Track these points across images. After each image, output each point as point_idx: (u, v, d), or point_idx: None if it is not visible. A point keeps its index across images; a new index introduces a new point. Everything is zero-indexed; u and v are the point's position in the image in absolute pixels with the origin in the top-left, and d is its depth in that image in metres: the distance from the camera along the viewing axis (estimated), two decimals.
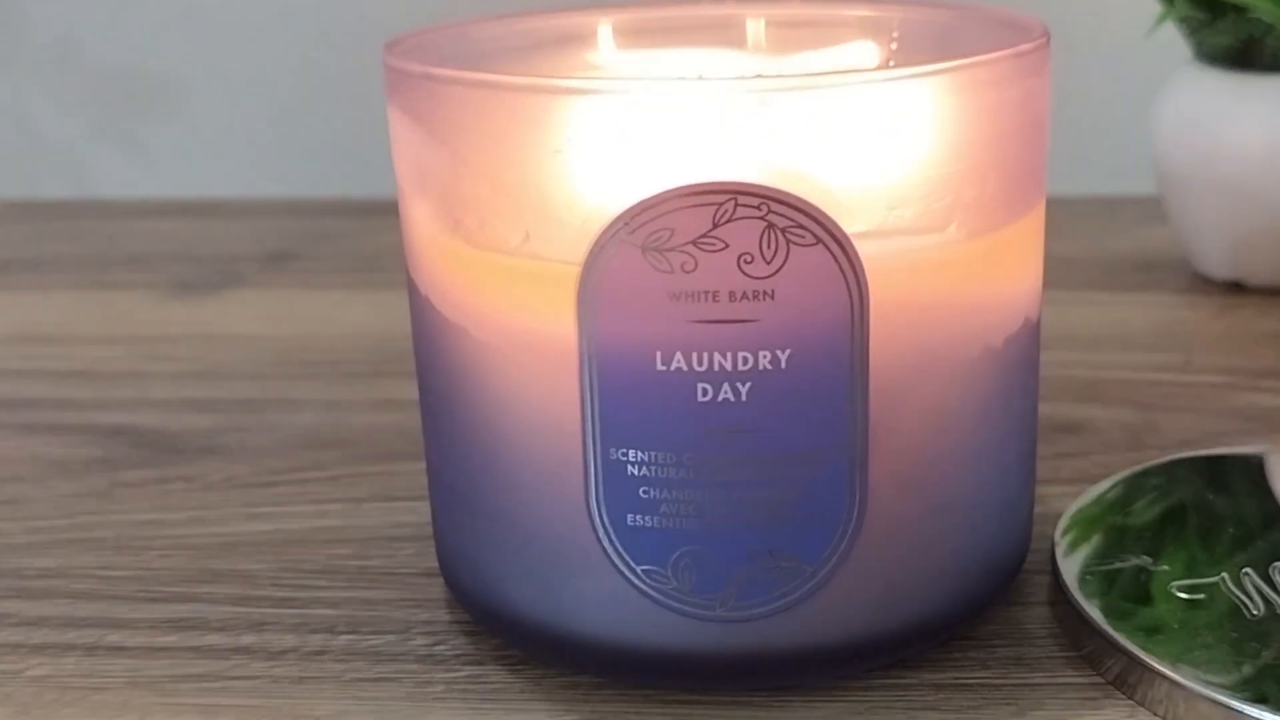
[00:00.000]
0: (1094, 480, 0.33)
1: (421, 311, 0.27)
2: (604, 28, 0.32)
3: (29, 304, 0.51)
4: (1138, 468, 0.33)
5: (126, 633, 0.29)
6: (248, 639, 0.28)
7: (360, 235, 0.58)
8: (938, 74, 0.23)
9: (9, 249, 0.58)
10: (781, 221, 0.23)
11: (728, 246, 0.23)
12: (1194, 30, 0.47)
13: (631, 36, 0.32)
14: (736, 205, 0.23)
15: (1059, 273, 0.54)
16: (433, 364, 0.27)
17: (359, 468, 0.36)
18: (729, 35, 0.33)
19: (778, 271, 0.23)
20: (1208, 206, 0.48)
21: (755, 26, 0.33)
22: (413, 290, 0.27)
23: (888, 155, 0.23)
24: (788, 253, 0.23)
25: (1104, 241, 0.55)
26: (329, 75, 0.66)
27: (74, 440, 0.38)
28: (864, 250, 0.23)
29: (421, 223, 0.26)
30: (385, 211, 0.45)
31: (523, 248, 0.24)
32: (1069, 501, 0.32)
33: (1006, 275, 0.26)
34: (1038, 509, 0.31)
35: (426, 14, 0.65)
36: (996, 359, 0.26)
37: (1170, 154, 0.48)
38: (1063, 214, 0.61)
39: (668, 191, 0.23)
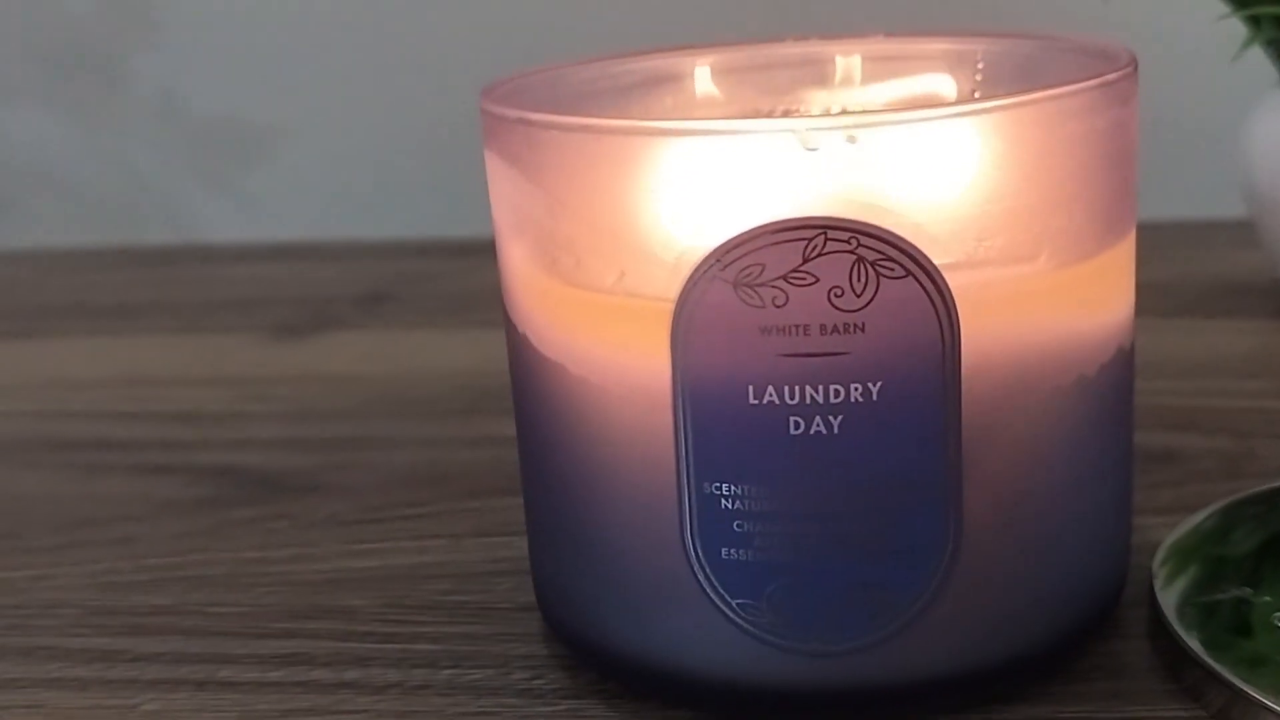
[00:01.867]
0: (1191, 510, 0.32)
1: (519, 349, 0.27)
2: (696, 68, 0.33)
3: (135, 348, 0.52)
4: (1235, 496, 0.33)
5: (236, 668, 0.30)
6: (352, 674, 0.29)
7: (454, 276, 0.59)
8: (1024, 106, 0.24)
9: (114, 295, 0.60)
10: (871, 255, 0.23)
11: (818, 280, 0.23)
12: None
13: (721, 75, 0.33)
14: (826, 240, 0.23)
15: (1149, 299, 0.53)
16: (530, 401, 0.27)
17: (457, 504, 0.37)
18: (816, 71, 0.33)
19: (868, 304, 0.23)
20: None
21: (842, 63, 0.33)
22: (510, 329, 0.28)
23: (975, 187, 0.24)
24: (878, 285, 0.23)
25: (1195, 267, 0.54)
26: (421, 118, 0.68)
27: (181, 480, 0.39)
28: (954, 281, 0.24)
29: (518, 263, 0.27)
30: (478, 251, 0.46)
31: (618, 286, 0.25)
32: (1165, 532, 0.31)
33: (1098, 305, 0.26)
34: (1133, 539, 0.30)
35: (519, 55, 0.66)
36: (1090, 389, 0.26)
37: (1259, 177, 0.48)
38: (1152, 239, 0.60)
39: (758, 228, 0.23)
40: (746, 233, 0.23)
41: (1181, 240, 0.57)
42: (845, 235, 0.23)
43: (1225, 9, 0.47)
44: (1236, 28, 0.48)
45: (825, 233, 0.23)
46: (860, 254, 0.23)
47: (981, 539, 0.25)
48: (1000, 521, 0.25)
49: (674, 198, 0.24)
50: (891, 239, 0.23)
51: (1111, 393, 0.27)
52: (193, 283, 0.61)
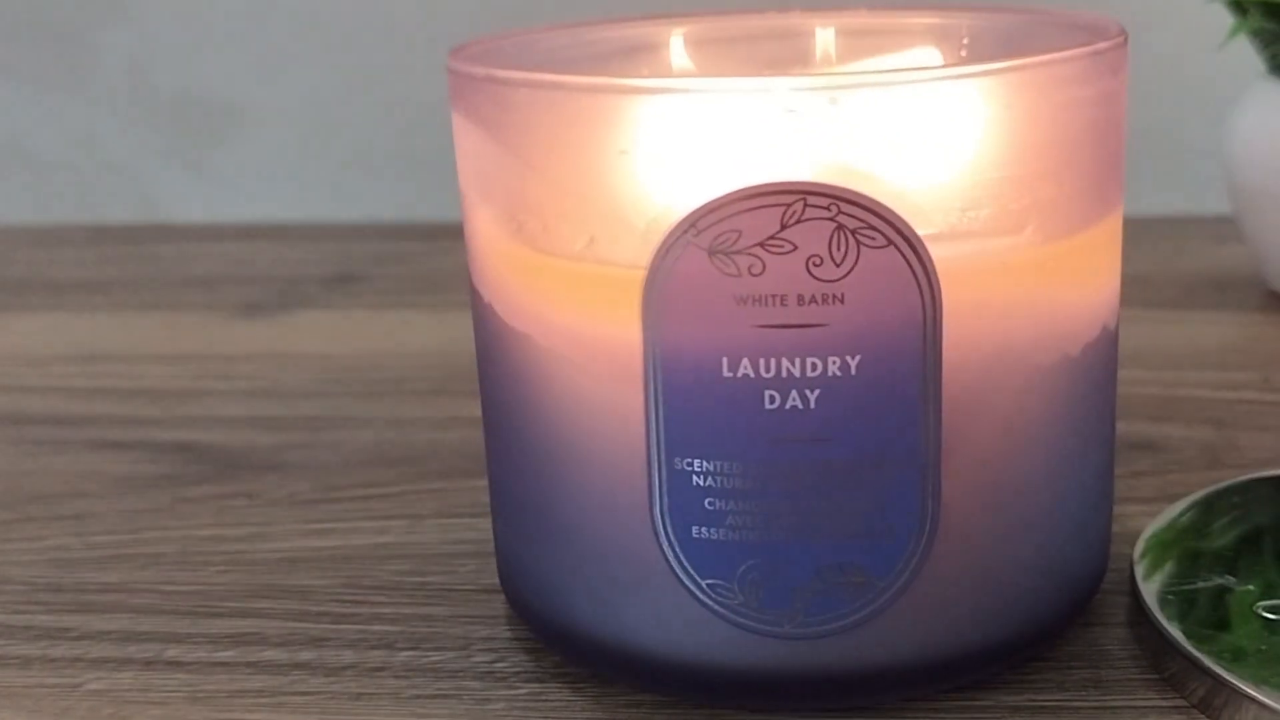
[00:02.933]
0: (1171, 500, 0.32)
1: (484, 320, 0.26)
2: (672, 37, 0.32)
3: (96, 325, 0.51)
4: (1216, 487, 0.32)
5: (185, 647, 0.29)
6: (306, 655, 0.28)
7: (424, 257, 0.58)
8: (1013, 71, 0.23)
9: (78, 271, 0.59)
10: (852, 223, 0.22)
11: (796, 249, 0.22)
12: (1268, 44, 0.46)
13: (699, 46, 0.32)
14: (805, 206, 0.22)
15: (1131, 291, 0.53)
16: (495, 373, 0.26)
17: (421, 485, 0.36)
18: (796, 44, 0.32)
19: (848, 274, 0.23)
20: None
21: (823, 35, 0.32)
22: (476, 299, 0.27)
23: (961, 155, 0.23)
24: (858, 255, 0.22)
25: (1177, 260, 0.54)
26: (393, 98, 0.67)
27: (138, 457, 0.38)
28: (937, 253, 0.23)
29: (485, 229, 0.26)
30: (449, 234, 0.45)
31: (587, 252, 0.24)
32: (1146, 521, 0.31)
33: (1084, 281, 0.25)
34: (1114, 529, 0.30)
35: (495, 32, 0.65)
36: (1074, 367, 0.25)
37: (1244, 171, 0.47)
38: (1134, 233, 0.60)
39: (734, 193, 0.22)
40: (722, 197, 0.22)
41: (1164, 234, 0.56)
42: (825, 202, 0.22)
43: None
44: (1222, 16, 0.48)
45: (805, 199, 0.22)
46: (840, 221, 0.22)
47: (960, 521, 0.24)
48: (980, 503, 0.24)
49: (646, 160, 0.23)
50: (873, 207, 0.22)
51: (1095, 373, 0.26)
52: (158, 260, 0.60)
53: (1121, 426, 0.38)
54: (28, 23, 0.68)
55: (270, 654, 0.28)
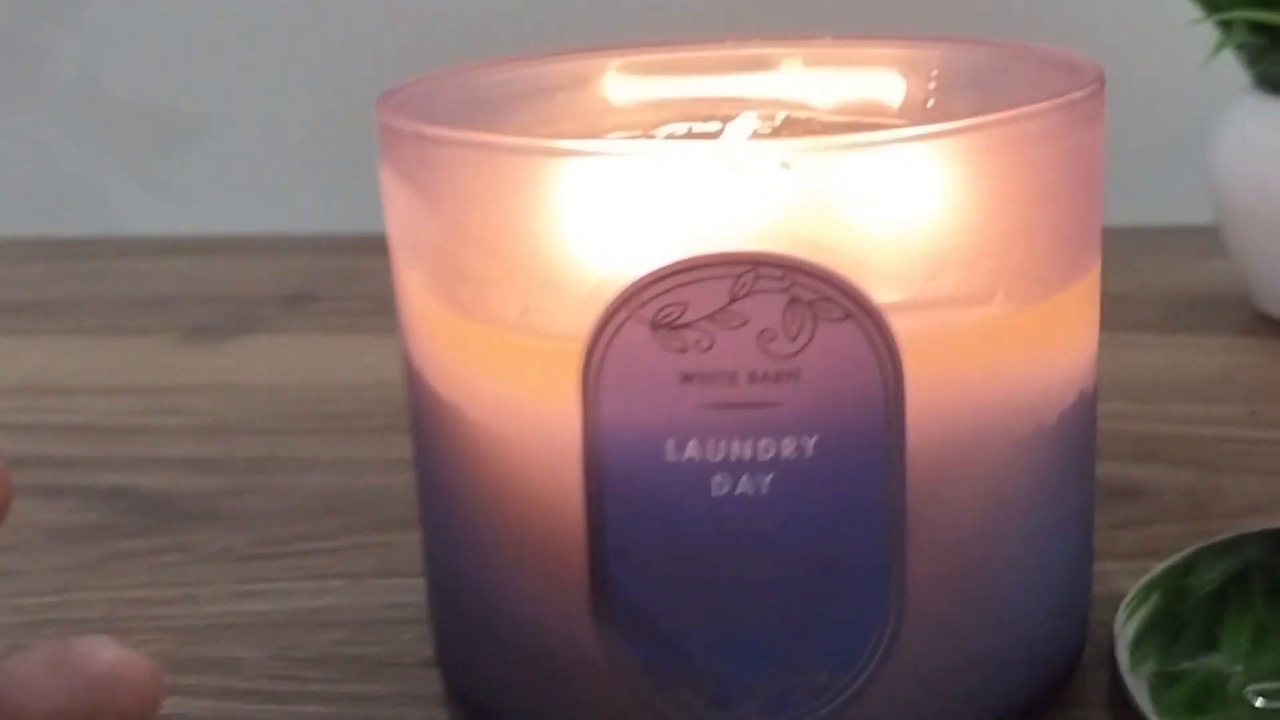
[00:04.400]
0: (1154, 553, 0.30)
1: (415, 387, 0.25)
2: (627, 69, 0.30)
3: (41, 350, 0.49)
4: (1202, 544, 0.30)
5: None
6: None
7: (385, 274, 0.56)
8: (979, 129, 0.21)
9: (28, 290, 0.57)
10: (807, 294, 0.21)
11: (747, 323, 0.21)
12: (1254, 58, 0.44)
13: (653, 78, 0.30)
14: (757, 277, 0.20)
15: (1113, 313, 0.51)
16: (427, 444, 0.25)
17: (363, 537, 0.34)
18: (757, 75, 0.30)
19: (803, 349, 0.21)
20: (1269, 242, 0.45)
21: (786, 67, 0.30)
22: (407, 363, 0.25)
23: (924, 220, 0.21)
24: (814, 329, 0.21)
25: (1161, 276, 0.52)
26: (354, 108, 0.65)
27: (72, 504, 0.36)
28: (899, 324, 0.21)
29: (414, 292, 0.24)
30: None
31: (521, 322, 0.22)
32: (1127, 581, 0.29)
33: (1059, 347, 0.23)
34: (1096, 588, 0.28)
35: (455, 44, 0.63)
36: (1049, 438, 0.24)
37: (1229, 186, 0.45)
38: (1116, 246, 0.58)
39: (680, 262, 0.21)
40: (666, 267, 0.21)
41: (1147, 247, 0.55)
42: (778, 272, 0.20)
43: (1196, 12, 0.45)
44: (1207, 30, 0.46)
45: (755, 269, 0.20)
46: (795, 293, 0.21)
47: (927, 609, 0.22)
48: (948, 589, 0.23)
49: (585, 225, 0.21)
50: (830, 277, 0.21)
51: (1072, 441, 0.24)
52: (111, 277, 0.58)
53: (1101, 469, 0.37)
54: None
55: None
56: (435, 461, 0.24)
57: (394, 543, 0.33)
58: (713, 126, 0.30)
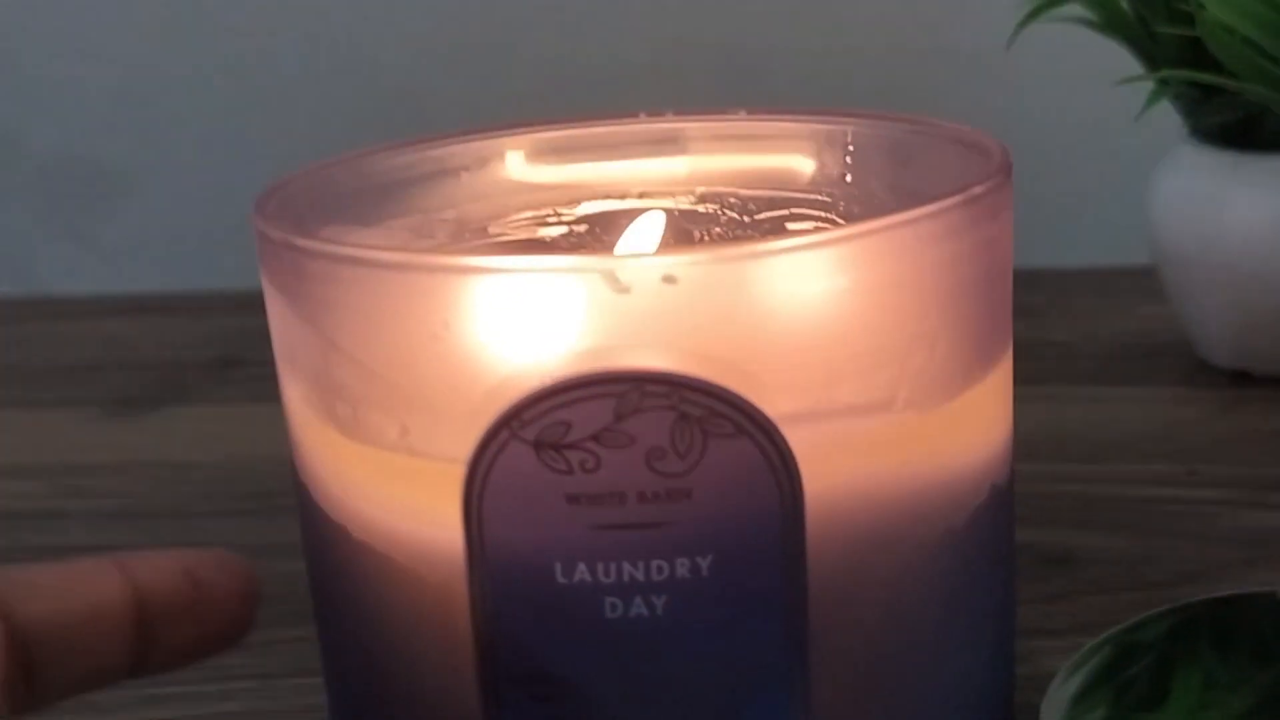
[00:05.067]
0: (1089, 629, 0.29)
1: (302, 501, 0.24)
2: (532, 148, 0.29)
3: None
4: (1133, 621, 0.29)
5: None
6: None
7: None
8: (872, 234, 0.20)
9: None
10: (695, 411, 0.20)
11: (634, 442, 0.20)
12: (1189, 109, 0.44)
13: (559, 155, 0.29)
14: (642, 395, 0.20)
15: (1051, 363, 0.51)
16: (315, 561, 0.24)
17: (275, 632, 0.32)
18: (668, 152, 0.29)
19: (694, 468, 0.20)
20: (1209, 291, 0.45)
21: (702, 141, 0.30)
22: (293, 476, 0.24)
23: (818, 329, 0.20)
24: (704, 446, 0.20)
25: (1099, 322, 0.51)
26: (278, 160, 0.63)
27: None
28: (795, 436, 0.20)
29: (295, 406, 0.23)
30: None
31: (401, 442, 0.21)
32: (1057, 659, 0.28)
33: (968, 446, 0.23)
34: (1025, 669, 0.27)
35: (386, 93, 0.62)
36: (960, 538, 0.23)
37: (1168, 235, 0.45)
38: (1055, 289, 0.58)
39: (562, 381, 0.20)
40: (549, 386, 0.20)
41: (1086, 290, 0.54)
42: (664, 389, 0.20)
43: (1136, 66, 0.44)
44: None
45: (641, 386, 0.20)
46: (683, 410, 0.20)
47: None
48: (856, 703, 0.22)
49: (462, 344, 0.20)
50: (719, 393, 0.20)
51: (985, 537, 0.24)
52: (31, 343, 0.56)
53: (1034, 534, 0.36)
54: None
55: None
56: (324, 580, 0.23)
57: (306, 639, 0.32)
58: (627, 204, 0.29)
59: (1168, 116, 0.45)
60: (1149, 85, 0.43)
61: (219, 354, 0.53)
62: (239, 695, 0.30)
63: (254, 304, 0.61)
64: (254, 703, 0.30)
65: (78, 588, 0.20)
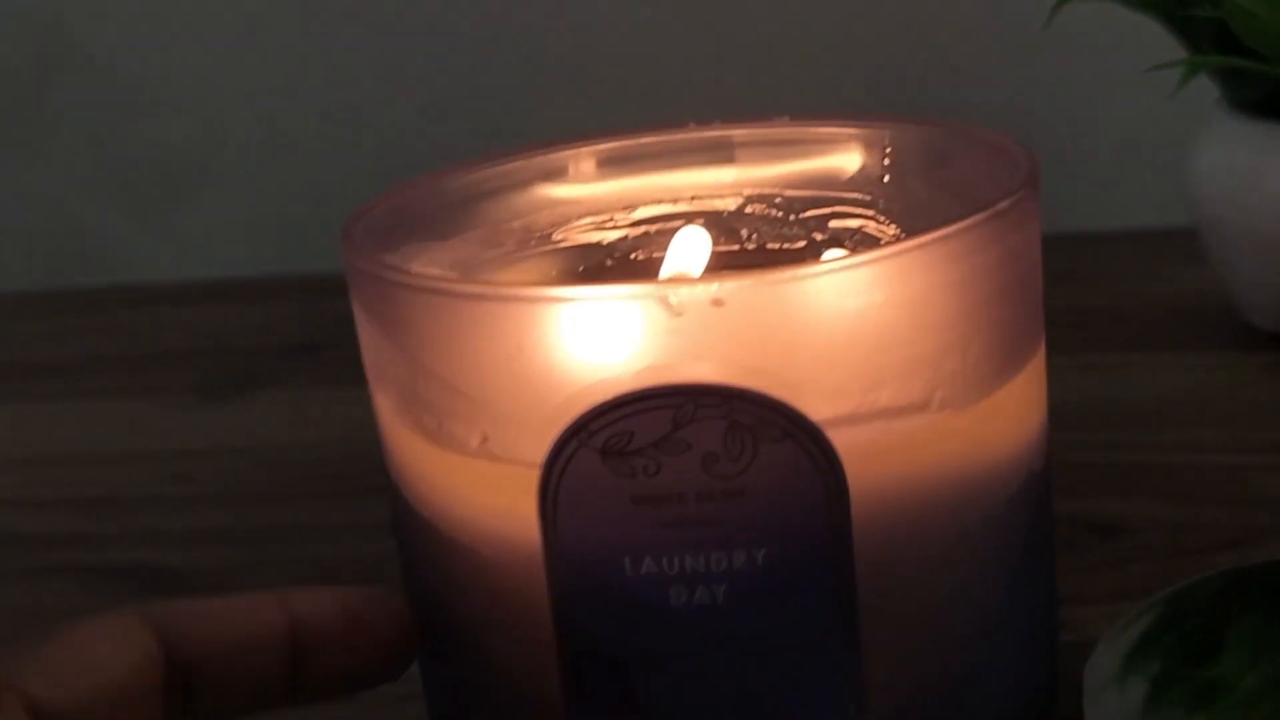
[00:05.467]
0: (1131, 594, 0.31)
1: (395, 499, 0.26)
2: (589, 160, 0.31)
3: (53, 416, 0.51)
4: (1177, 586, 0.31)
5: None
6: None
7: None
8: (905, 252, 0.22)
9: (38, 350, 0.58)
10: (746, 418, 0.22)
11: (691, 448, 0.22)
12: (1225, 82, 0.45)
13: (617, 167, 0.31)
14: (697, 406, 0.22)
15: (1094, 330, 0.52)
16: (408, 553, 0.26)
17: None
18: (717, 159, 0.31)
19: (746, 470, 0.22)
20: (1250, 257, 0.46)
21: (749, 147, 0.31)
22: (387, 474, 0.26)
23: (856, 340, 0.22)
24: (755, 450, 0.22)
25: (1144, 287, 0.52)
26: (356, 150, 0.66)
27: (84, 584, 0.38)
28: (839, 438, 0.22)
29: (386, 416, 0.25)
30: None
31: (481, 449, 0.23)
32: (1101, 626, 0.30)
33: (1002, 439, 0.24)
34: (1070, 637, 0.29)
35: (455, 83, 0.64)
36: (998, 524, 0.25)
37: (1208, 203, 0.46)
38: (1099, 254, 0.59)
39: (624, 395, 0.22)
40: (611, 400, 0.22)
41: (1129, 254, 0.55)
42: (717, 400, 0.22)
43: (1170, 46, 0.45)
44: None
45: (695, 399, 0.22)
46: (735, 418, 0.22)
47: (887, 700, 0.23)
48: (906, 681, 0.24)
49: (536, 362, 0.22)
50: (767, 401, 0.22)
51: (1023, 520, 0.25)
52: (120, 333, 0.59)
53: (1078, 504, 0.37)
54: None
55: None
56: (416, 567, 0.26)
57: None
58: (680, 208, 0.31)
59: (1207, 85, 0.47)
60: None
61: (302, 339, 0.56)
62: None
63: (331, 289, 0.64)
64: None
65: (238, 617, 0.22)
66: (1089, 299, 0.52)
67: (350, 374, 0.51)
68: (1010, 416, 0.25)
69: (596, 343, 0.22)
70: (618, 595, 0.23)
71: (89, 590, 0.38)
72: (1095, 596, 0.33)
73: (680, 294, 0.21)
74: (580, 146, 0.31)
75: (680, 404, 0.22)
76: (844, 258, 0.22)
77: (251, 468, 0.44)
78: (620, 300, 0.22)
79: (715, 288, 0.21)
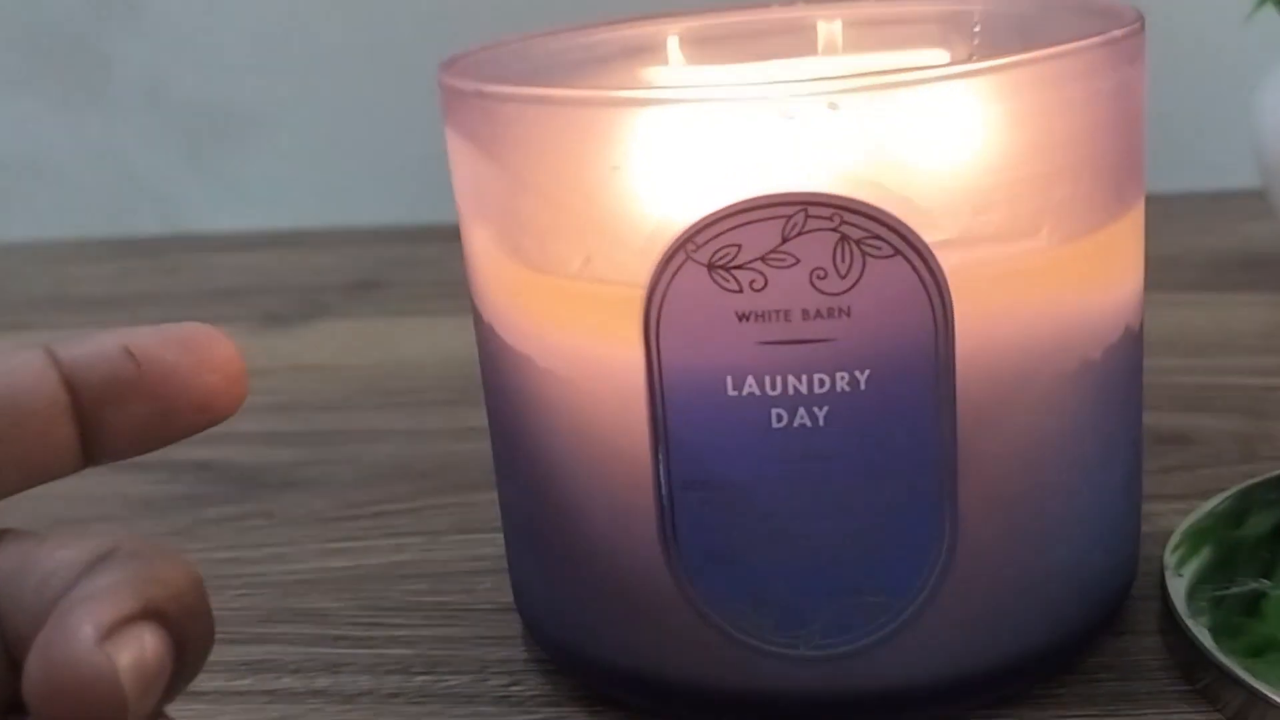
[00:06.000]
0: (1204, 495, 0.31)
1: (486, 340, 0.26)
2: (671, 37, 0.31)
3: None
4: (1250, 481, 0.31)
5: (202, 676, 0.28)
6: (322, 681, 0.28)
7: (445, 261, 0.58)
8: (1022, 66, 0.22)
9: (102, 286, 0.59)
10: (856, 233, 0.22)
11: (799, 262, 0.22)
12: None
13: (699, 46, 0.31)
14: (807, 217, 0.22)
15: (1159, 273, 0.51)
16: (499, 394, 0.26)
17: (438, 499, 0.35)
18: (801, 39, 0.31)
19: (853, 286, 0.22)
20: None
21: (828, 28, 0.31)
22: (477, 318, 0.26)
23: (970, 157, 0.22)
24: (864, 266, 0.22)
25: (1206, 239, 0.52)
26: (413, 100, 0.66)
27: (160, 477, 0.38)
28: (947, 260, 0.22)
29: (482, 248, 0.25)
30: None
31: (584, 271, 0.23)
32: (1177, 519, 0.30)
33: (1104, 281, 0.24)
34: (1144, 528, 0.29)
35: (511, 27, 0.64)
36: (1095, 372, 0.24)
37: (1273, 147, 0.46)
38: (1162, 211, 0.59)
39: (732, 205, 0.22)
40: (719, 211, 0.22)
41: (1193, 212, 0.55)
42: (828, 212, 0.22)
43: None
44: None
45: (805, 209, 0.22)
46: (844, 232, 0.22)
47: (979, 535, 0.23)
48: (1000, 516, 0.24)
49: (640, 173, 0.22)
50: (878, 215, 0.22)
51: (1119, 376, 0.25)
52: (180, 272, 0.60)
53: (1151, 419, 0.37)
54: (46, 37, 0.68)
55: (287, 681, 0.28)
56: (508, 411, 0.26)
57: (467, 503, 0.35)
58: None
59: (1272, 29, 0.46)
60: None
61: (356, 278, 0.56)
62: (409, 548, 0.33)
63: (388, 236, 0.64)
64: (421, 554, 0.32)
65: None
66: (1151, 249, 0.52)
67: (411, 308, 0.52)
68: (1114, 260, 0.25)
69: (703, 151, 0.22)
70: (718, 417, 0.23)
71: (170, 480, 0.38)
72: (1168, 495, 0.33)
73: (793, 95, 0.21)
74: (663, 22, 0.31)
75: (790, 214, 0.22)
76: (963, 65, 0.22)
77: (316, 384, 0.45)
78: (727, 103, 0.21)
79: (830, 88, 0.21)
